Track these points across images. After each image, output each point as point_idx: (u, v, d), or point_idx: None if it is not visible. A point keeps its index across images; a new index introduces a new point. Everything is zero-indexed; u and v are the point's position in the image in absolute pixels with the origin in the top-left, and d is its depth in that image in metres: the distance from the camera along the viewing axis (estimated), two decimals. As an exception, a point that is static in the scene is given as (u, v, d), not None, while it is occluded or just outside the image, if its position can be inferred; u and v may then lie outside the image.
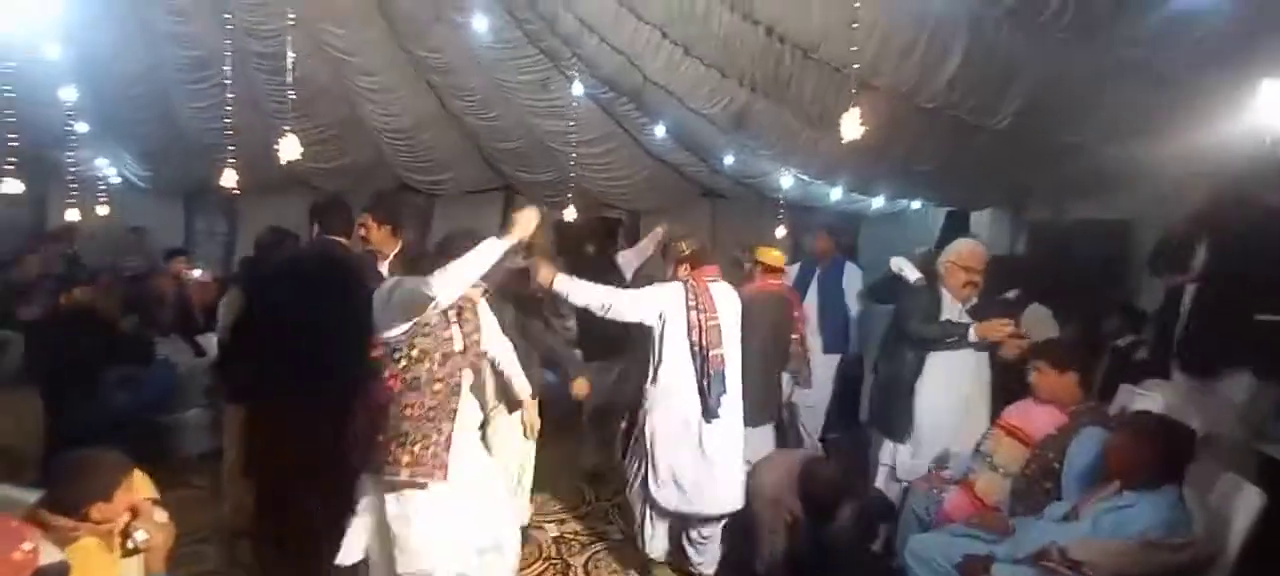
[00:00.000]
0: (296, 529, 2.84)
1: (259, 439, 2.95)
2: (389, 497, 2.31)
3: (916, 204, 7.04)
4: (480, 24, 5.53)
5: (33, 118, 5.55)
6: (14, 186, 4.27)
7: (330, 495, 2.77)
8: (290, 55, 4.61)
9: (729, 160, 6.57)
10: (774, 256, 4.13)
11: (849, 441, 4.71)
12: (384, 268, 3.43)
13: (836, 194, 6.69)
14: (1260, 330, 2.81)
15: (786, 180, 6.31)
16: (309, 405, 2.73)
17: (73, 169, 6.80)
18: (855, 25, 3.09)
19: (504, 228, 2.46)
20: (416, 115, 7.32)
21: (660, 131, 6.34)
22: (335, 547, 2.48)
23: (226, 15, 5.10)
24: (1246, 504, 2.24)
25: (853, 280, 5.01)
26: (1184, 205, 4.13)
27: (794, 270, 5.44)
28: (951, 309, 3.24)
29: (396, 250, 3.44)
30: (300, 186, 7.22)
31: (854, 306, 4.98)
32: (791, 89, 4.40)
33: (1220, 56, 2.54)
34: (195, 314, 5.16)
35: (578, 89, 5.94)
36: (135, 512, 2.20)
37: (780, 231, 6.75)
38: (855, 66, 3.18)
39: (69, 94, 5.59)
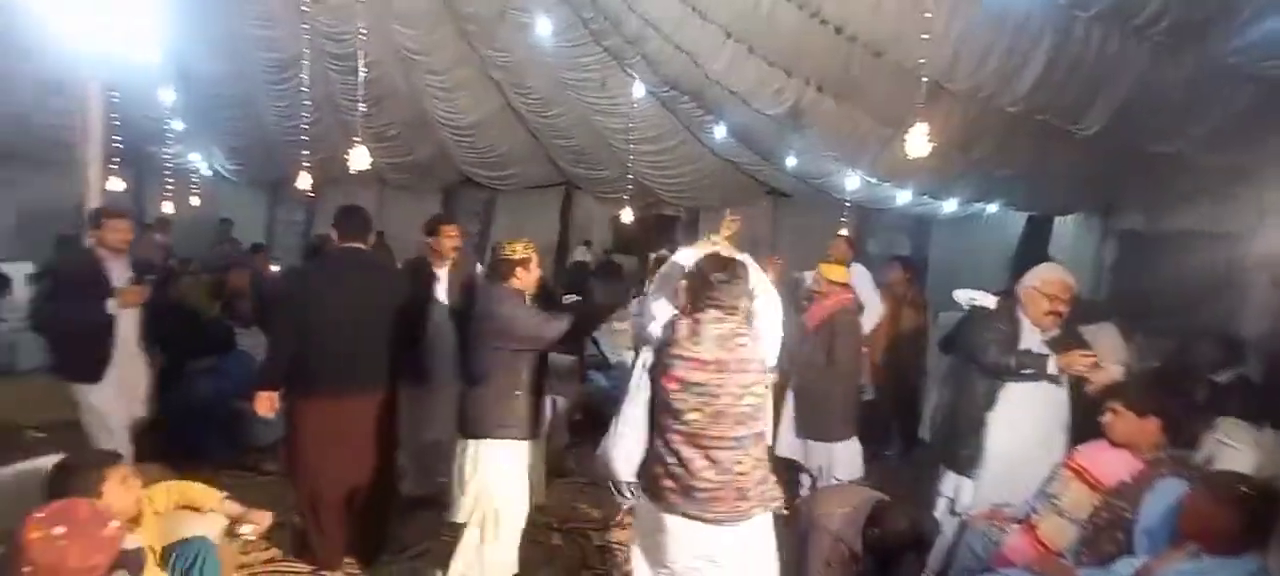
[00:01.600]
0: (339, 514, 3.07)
1: (305, 427, 3.10)
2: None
3: (993, 207, 6.67)
4: (545, 23, 5.57)
5: (135, 118, 5.99)
6: (117, 184, 4.59)
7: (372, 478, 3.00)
8: (362, 56, 4.78)
9: (792, 161, 6.40)
10: (841, 272, 3.99)
11: (902, 464, 4.48)
12: (444, 271, 3.50)
13: (906, 196, 6.42)
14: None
15: (852, 181, 6.10)
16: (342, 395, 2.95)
17: (168, 164, 7.31)
18: (925, 35, 2.92)
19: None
20: (480, 112, 7.49)
21: (721, 130, 6.24)
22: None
23: (304, 23, 5.32)
24: None
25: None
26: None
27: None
28: (1031, 338, 3.01)
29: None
30: (372, 179, 7.52)
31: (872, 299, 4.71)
32: (861, 89, 4.24)
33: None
34: (246, 302, 5.38)
35: (639, 89, 5.92)
36: (235, 517, 2.45)
37: (843, 232, 6.54)
38: (922, 72, 3.01)
39: (167, 95, 6.01)
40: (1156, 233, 5.04)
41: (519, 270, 2.76)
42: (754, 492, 2.18)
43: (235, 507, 2.46)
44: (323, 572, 3.11)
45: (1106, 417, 2.64)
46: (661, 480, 2.19)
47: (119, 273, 3.39)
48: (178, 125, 7.02)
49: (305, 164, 4.99)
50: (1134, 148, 3.62)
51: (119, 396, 3.44)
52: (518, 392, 2.66)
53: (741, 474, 2.17)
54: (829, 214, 7.08)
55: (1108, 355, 2.99)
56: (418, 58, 6.71)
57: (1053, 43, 3.05)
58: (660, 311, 2.32)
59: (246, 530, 2.43)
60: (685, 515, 2.16)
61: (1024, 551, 2.62)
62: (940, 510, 3.25)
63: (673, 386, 2.14)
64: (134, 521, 2.14)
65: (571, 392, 4.92)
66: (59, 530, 1.52)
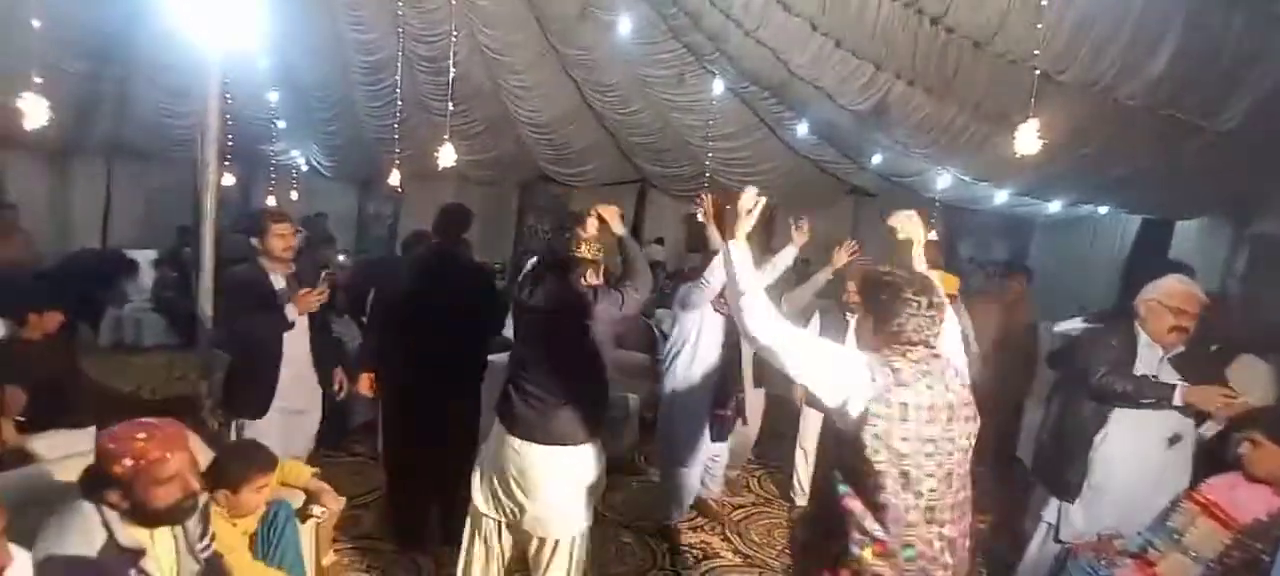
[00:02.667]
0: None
1: (395, 412, 3.26)
2: None
3: (1104, 210, 6.15)
4: (625, 22, 5.56)
5: (245, 118, 6.44)
6: (229, 179, 4.93)
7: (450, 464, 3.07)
8: (452, 56, 4.93)
9: (877, 159, 6.13)
10: (954, 283, 3.77)
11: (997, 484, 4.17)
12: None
13: (1003, 196, 6.02)
14: None
15: (943, 179, 5.78)
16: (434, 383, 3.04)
17: (273, 161, 7.80)
18: (1038, 24, 2.69)
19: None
20: (558, 110, 7.58)
21: (803, 127, 6.05)
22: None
23: (397, 27, 5.54)
24: None
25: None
26: None
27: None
28: (1149, 356, 2.72)
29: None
30: (453, 176, 7.75)
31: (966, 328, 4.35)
32: (958, 82, 3.99)
33: None
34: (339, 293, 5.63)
35: (718, 87, 5.82)
36: (313, 493, 2.56)
37: (932, 235, 6.20)
38: (1036, 63, 2.78)
39: (272, 96, 6.41)
40: (1300, 239, 4.50)
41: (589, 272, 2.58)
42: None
43: (318, 485, 2.59)
44: (410, 554, 3.24)
45: (1243, 448, 2.36)
46: None
47: (278, 282, 3.11)
48: (281, 124, 7.48)
49: (395, 161, 5.20)
50: (1276, 144, 3.23)
51: (284, 434, 3.04)
52: None
53: (970, 549, 1.79)
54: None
55: (1251, 392, 2.66)
56: (499, 57, 6.86)
57: (1184, 30, 2.76)
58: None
59: (318, 511, 2.53)
60: None
61: (1140, 589, 2.38)
62: (1040, 536, 3.01)
63: (904, 445, 1.66)
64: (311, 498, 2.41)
65: (643, 390, 4.90)
66: (140, 433, 1.73)
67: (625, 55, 6.33)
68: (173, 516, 1.78)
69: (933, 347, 1.76)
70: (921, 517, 1.67)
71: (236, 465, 2.29)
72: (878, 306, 1.78)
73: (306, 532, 2.54)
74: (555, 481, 2.44)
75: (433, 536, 3.24)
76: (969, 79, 3.86)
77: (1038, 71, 2.81)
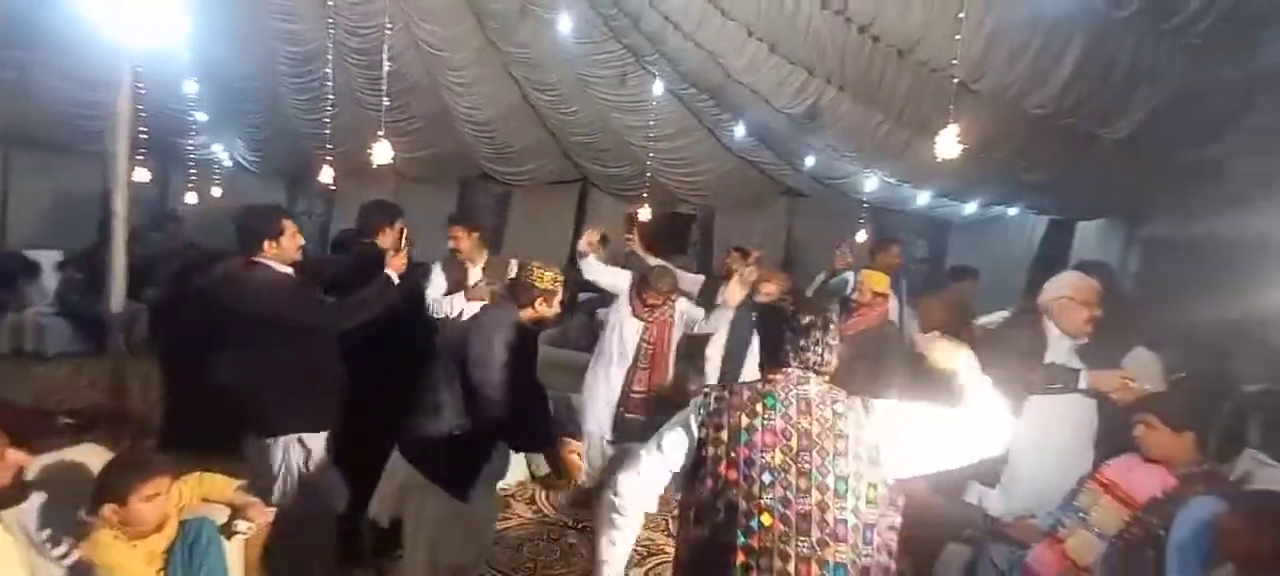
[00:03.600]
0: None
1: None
2: None
3: (1014, 211, 6.59)
4: (565, 20, 5.57)
5: (161, 110, 6.07)
6: (143, 175, 4.65)
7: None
8: (387, 49, 4.80)
9: (810, 161, 6.36)
10: (884, 282, 3.95)
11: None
12: (477, 272, 3.53)
13: (924, 198, 6.36)
14: None
15: (871, 182, 6.05)
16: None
17: (192, 155, 7.39)
18: (957, 35, 2.88)
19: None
20: (499, 108, 7.50)
21: (740, 129, 6.21)
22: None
23: (328, 17, 5.36)
24: None
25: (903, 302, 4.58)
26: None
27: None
28: (1059, 347, 2.96)
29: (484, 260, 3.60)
30: (390, 173, 7.55)
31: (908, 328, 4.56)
32: (883, 89, 4.19)
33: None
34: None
35: (659, 87, 5.90)
36: (237, 507, 2.42)
37: (861, 236, 6.49)
38: (954, 72, 2.97)
39: (191, 88, 6.08)
40: (1184, 239, 4.94)
41: (540, 301, 2.54)
42: None
43: (243, 498, 2.45)
44: (347, 569, 3.15)
45: (1139, 431, 2.59)
46: None
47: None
48: (201, 117, 7.10)
49: (327, 157, 5.03)
50: (1165, 152, 3.55)
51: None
52: None
53: None
54: (845, 215, 7.03)
55: (1144, 380, 2.93)
56: (437, 53, 6.73)
57: (1085, 44, 3.00)
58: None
59: (243, 526, 2.38)
60: None
61: (1050, 565, 2.58)
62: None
63: (727, 471, 1.51)
64: (158, 528, 2.17)
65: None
66: None
67: (566, 54, 6.33)
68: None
69: (819, 369, 1.63)
70: (751, 561, 1.45)
71: (119, 473, 2.12)
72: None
73: (234, 550, 2.39)
74: None
75: (370, 549, 3.16)
76: (893, 86, 4.07)
77: (956, 80, 3.00)
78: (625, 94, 6.55)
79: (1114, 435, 2.89)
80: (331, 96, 5.69)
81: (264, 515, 2.45)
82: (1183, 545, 2.33)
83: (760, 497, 1.46)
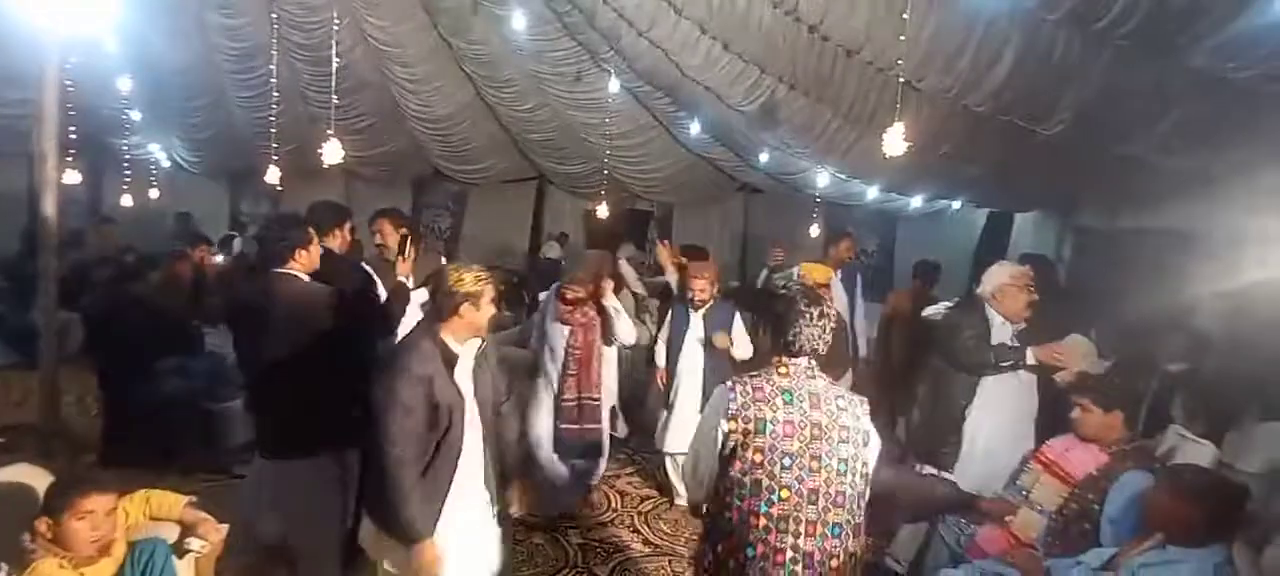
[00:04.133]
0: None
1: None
2: None
3: (957, 204, 6.86)
4: (518, 17, 5.53)
5: (92, 107, 5.78)
6: (73, 177, 4.42)
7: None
8: (335, 45, 4.70)
9: (765, 157, 6.48)
10: (825, 273, 4.04)
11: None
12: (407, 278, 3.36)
13: (873, 193, 6.56)
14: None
15: (823, 178, 6.20)
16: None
17: (127, 155, 7.05)
18: (902, 36, 2.98)
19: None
20: (453, 105, 7.40)
21: (696, 126, 6.28)
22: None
23: (271, 12, 5.20)
24: None
25: (861, 297, 4.69)
26: (1240, 215, 3.95)
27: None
28: (1001, 332, 3.13)
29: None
30: (341, 172, 7.37)
31: (861, 323, 4.66)
32: (833, 87, 4.31)
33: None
34: (214, 299, 5.17)
35: (614, 85, 5.92)
36: (188, 524, 2.32)
37: (814, 230, 6.65)
38: (899, 71, 3.08)
39: (124, 84, 5.80)
40: (1113, 230, 5.23)
41: (465, 307, 2.15)
42: None
43: (194, 515, 2.34)
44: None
45: (1075, 413, 2.75)
46: (732, 572, 1.83)
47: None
48: (135, 115, 6.78)
49: (272, 156, 4.89)
50: (1095, 148, 3.75)
51: None
52: None
53: (838, 571, 1.84)
54: (800, 210, 7.19)
55: (1080, 361, 3.12)
56: (387, 49, 6.60)
57: (1020, 45, 3.14)
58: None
59: (196, 545, 2.28)
60: None
61: (997, 541, 2.71)
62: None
63: (754, 455, 1.80)
64: (105, 552, 2.07)
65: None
66: None
67: (520, 51, 6.29)
68: None
69: (819, 354, 1.89)
70: (771, 524, 1.79)
71: (52, 491, 2.01)
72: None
73: (185, 570, 2.29)
74: None
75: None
76: (842, 84, 4.18)
77: (902, 80, 3.11)
78: (581, 91, 6.55)
79: (1052, 417, 3.06)
80: (277, 94, 5.52)
81: (217, 532, 2.35)
82: (1115, 518, 2.48)
83: (781, 476, 1.80)
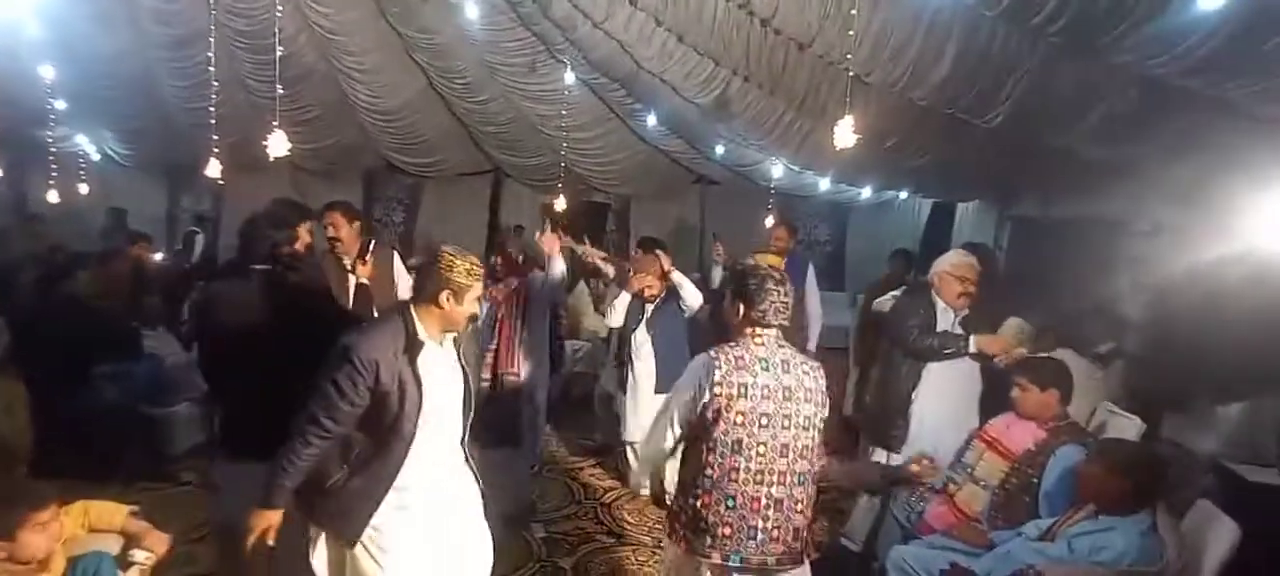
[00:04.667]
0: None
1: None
2: None
3: (903, 195, 7.10)
4: (471, 6, 5.45)
5: (13, 97, 5.44)
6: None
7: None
8: (277, 32, 4.53)
9: (720, 149, 6.57)
10: (776, 260, 4.15)
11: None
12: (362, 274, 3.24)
13: (825, 184, 6.73)
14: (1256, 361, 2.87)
15: (777, 169, 6.33)
16: None
17: (53, 148, 6.67)
18: (851, 31, 3.07)
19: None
20: (404, 96, 7.23)
21: (652, 118, 6.31)
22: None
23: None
24: (1221, 534, 2.27)
25: (813, 282, 4.75)
26: (1161, 204, 4.22)
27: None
28: (945, 319, 3.27)
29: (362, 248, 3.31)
30: (288, 165, 7.12)
31: (816, 309, 4.75)
32: (785, 80, 4.40)
33: (1209, 65, 2.57)
34: (153, 300, 4.96)
35: (570, 77, 5.90)
36: (131, 535, 2.25)
37: (769, 221, 6.78)
38: (849, 65, 3.17)
39: (47, 72, 5.47)
40: (1048, 219, 5.51)
41: (444, 295, 2.00)
42: (806, 534, 2.13)
43: (137, 526, 2.27)
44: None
45: (1015, 392, 2.90)
46: (713, 526, 2.05)
47: None
48: (61, 105, 6.40)
49: (213, 149, 4.69)
50: (1030, 140, 3.94)
51: None
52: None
53: (800, 513, 2.11)
54: (755, 201, 7.32)
55: (1016, 342, 3.28)
56: (333, 37, 6.40)
57: (961, 40, 3.27)
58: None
59: (141, 556, 2.21)
60: (741, 561, 2.04)
61: (944, 517, 2.84)
62: (869, 483, 3.47)
63: (737, 416, 2.02)
64: (42, 567, 2.01)
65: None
66: None
67: (473, 41, 6.19)
68: None
69: (779, 331, 2.12)
70: (749, 477, 2.04)
71: (3, 506, 1.97)
72: (747, 292, 2.11)
73: None
74: None
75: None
76: (794, 78, 4.28)
77: (851, 74, 3.21)
78: (536, 83, 6.50)
79: (994, 397, 3.22)
80: (216, 83, 5.29)
81: (162, 542, 2.28)
82: (1051, 491, 2.64)
83: (759, 434, 2.04)
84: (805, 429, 2.09)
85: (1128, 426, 3.14)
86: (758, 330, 2.10)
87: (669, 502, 2.28)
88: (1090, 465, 2.45)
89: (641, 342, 4.03)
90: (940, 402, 3.24)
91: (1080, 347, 3.73)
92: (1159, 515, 2.32)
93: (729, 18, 4.08)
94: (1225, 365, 3.13)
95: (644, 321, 4.05)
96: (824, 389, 2.16)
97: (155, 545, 2.25)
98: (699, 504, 2.07)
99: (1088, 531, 2.35)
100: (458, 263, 2.01)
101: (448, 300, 2.00)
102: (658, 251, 4.08)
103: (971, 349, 3.19)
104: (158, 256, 6.12)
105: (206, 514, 3.13)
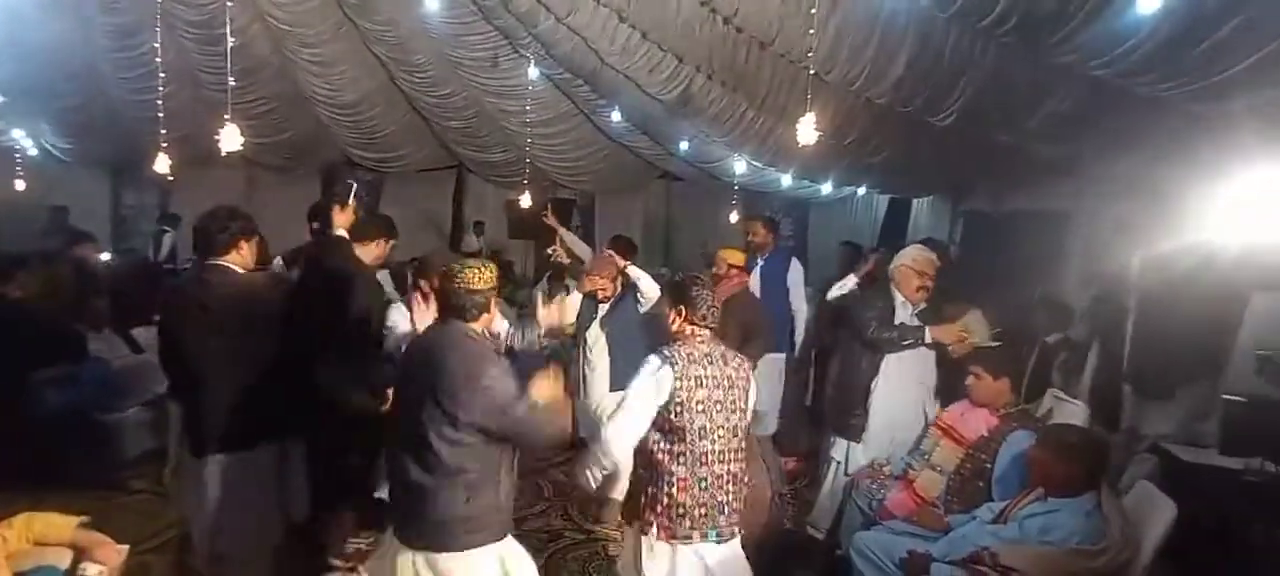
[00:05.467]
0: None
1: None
2: None
3: (861, 190, 7.25)
4: (432, -1, 5.37)
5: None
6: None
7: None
8: (228, 22, 4.40)
9: (684, 146, 6.60)
10: (740, 257, 4.19)
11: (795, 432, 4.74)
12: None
13: (787, 180, 6.82)
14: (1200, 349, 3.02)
15: (740, 165, 6.40)
16: None
17: (-14, 142, 6.33)
18: (810, 30, 3.13)
19: None
20: (362, 90, 7.09)
21: (616, 114, 6.32)
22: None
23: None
24: (1160, 513, 2.39)
25: (797, 277, 4.73)
26: (1105, 199, 4.41)
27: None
28: (903, 311, 3.35)
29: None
30: (241, 161, 6.90)
31: (799, 305, 4.70)
32: (748, 78, 4.45)
33: (1146, 65, 2.70)
34: (99, 302, 4.76)
35: (533, 71, 5.86)
36: (81, 547, 2.16)
37: (733, 216, 6.85)
38: (809, 64, 3.23)
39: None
40: (998, 213, 5.70)
41: (493, 303, 2.14)
42: (740, 499, 2.37)
43: (88, 537, 2.19)
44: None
45: (969, 381, 3.01)
46: (691, 509, 2.23)
47: None
48: (-3, 97, 6.08)
49: (161, 144, 4.52)
50: (981, 138, 4.07)
51: None
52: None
53: (747, 482, 2.38)
54: (719, 197, 7.38)
55: (976, 334, 3.39)
56: (288, 28, 6.23)
57: (916, 40, 3.37)
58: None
59: (93, 570, 2.13)
60: (717, 535, 2.25)
61: (904, 504, 2.93)
62: (831, 473, 3.55)
63: (698, 405, 2.24)
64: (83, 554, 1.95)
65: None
66: None
67: (434, 34, 6.10)
68: None
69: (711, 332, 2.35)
70: (715, 458, 2.28)
71: None
72: (688, 299, 2.35)
73: None
74: None
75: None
76: (756, 75, 4.33)
77: (811, 72, 3.27)
78: (499, 77, 6.44)
79: (949, 386, 3.33)
80: (163, 74, 5.09)
81: (117, 553, 2.21)
82: (1004, 475, 2.75)
83: (716, 418, 2.28)
84: (743, 412, 2.36)
85: (1074, 412, 3.28)
86: (697, 330, 2.34)
87: (617, 495, 2.43)
88: (1039, 450, 2.56)
89: (595, 341, 4.02)
90: (898, 391, 3.33)
91: (1033, 338, 3.88)
92: (1103, 496, 2.43)
93: (692, 15, 4.11)
94: (1168, 353, 3.28)
95: (597, 320, 4.03)
96: (748, 376, 2.41)
97: (108, 557, 2.17)
98: (676, 490, 2.25)
99: (1037, 513, 2.45)
100: (483, 271, 2.13)
101: (494, 306, 2.23)
102: (610, 252, 4.06)
103: (928, 339, 3.28)
104: (104, 257, 5.85)
105: (160, 522, 3.04)
